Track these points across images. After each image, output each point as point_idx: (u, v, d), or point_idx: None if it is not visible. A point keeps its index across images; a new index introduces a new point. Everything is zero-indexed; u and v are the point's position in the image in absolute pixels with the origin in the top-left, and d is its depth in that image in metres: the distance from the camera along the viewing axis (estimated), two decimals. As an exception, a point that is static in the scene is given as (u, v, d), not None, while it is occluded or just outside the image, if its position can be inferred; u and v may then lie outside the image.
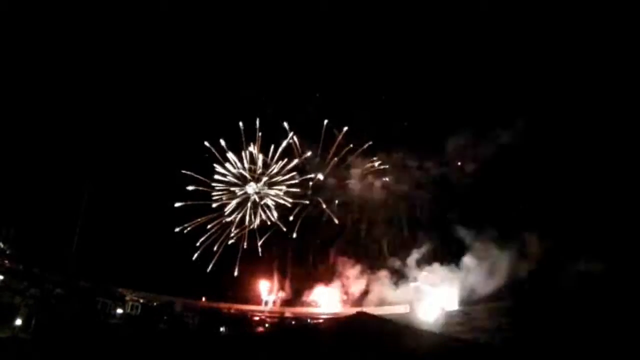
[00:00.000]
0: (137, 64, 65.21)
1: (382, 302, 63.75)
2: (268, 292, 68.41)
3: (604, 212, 54.41)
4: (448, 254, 61.87)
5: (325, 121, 68.86)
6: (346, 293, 67.14)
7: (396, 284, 64.01)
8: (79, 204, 59.97)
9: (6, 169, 56.92)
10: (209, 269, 65.78)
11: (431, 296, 60.99)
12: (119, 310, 57.74)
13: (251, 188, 69.46)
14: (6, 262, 54.36)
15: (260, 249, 67.44)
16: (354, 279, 66.53)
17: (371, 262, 66.38)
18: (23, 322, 48.99)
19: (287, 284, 68.95)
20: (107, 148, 64.15)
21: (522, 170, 60.86)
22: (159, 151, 65.84)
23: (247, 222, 68.21)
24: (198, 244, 66.24)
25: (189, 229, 66.71)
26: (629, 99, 55.96)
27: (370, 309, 62.65)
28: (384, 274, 64.79)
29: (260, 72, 67.20)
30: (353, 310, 63.91)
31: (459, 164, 67.07)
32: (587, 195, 56.53)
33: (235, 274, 66.16)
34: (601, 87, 57.73)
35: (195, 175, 68.09)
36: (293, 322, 63.39)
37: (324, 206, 68.19)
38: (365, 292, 65.62)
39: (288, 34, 66.70)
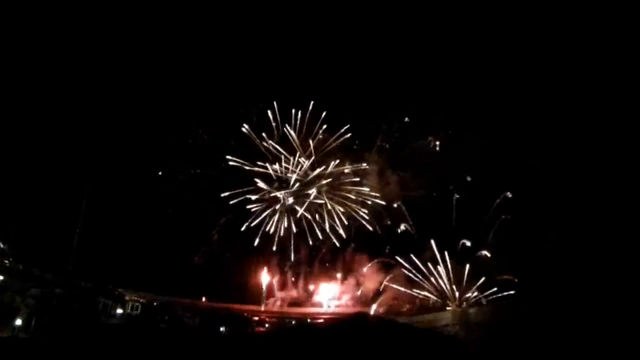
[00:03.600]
0: (140, 65, 65.44)
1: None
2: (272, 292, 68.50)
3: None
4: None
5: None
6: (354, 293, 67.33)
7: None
8: (80, 204, 59.99)
9: (7, 169, 57.05)
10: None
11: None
12: (119, 310, 57.70)
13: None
14: (6, 262, 54.32)
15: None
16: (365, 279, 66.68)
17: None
18: (23, 322, 48.90)
19: (291, 284, 69.12)
20: (108, 148, 64.26)
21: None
22: (159, 151, 65.91)
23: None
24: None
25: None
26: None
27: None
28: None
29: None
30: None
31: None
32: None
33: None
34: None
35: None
36: (293, 322, 63.48)
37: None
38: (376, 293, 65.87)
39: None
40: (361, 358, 47.11)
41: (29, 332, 48.83)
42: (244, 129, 68.89)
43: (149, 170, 66.10)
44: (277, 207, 68.40)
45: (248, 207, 67.64)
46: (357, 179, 69.14)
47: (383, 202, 67.66)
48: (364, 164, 69.22)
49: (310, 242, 67.97)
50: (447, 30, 66.78)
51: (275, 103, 68.84)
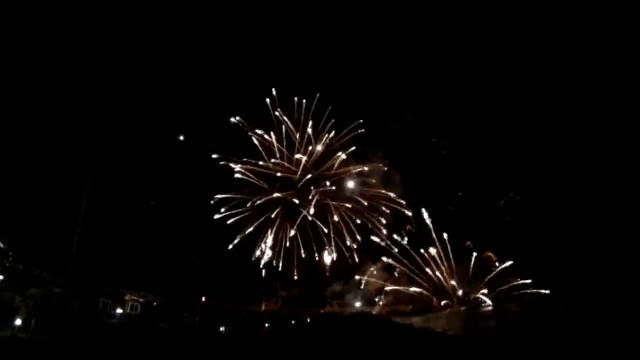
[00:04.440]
0: (139, 63, 65.33)
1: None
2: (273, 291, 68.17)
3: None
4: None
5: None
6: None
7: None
8: (80, 204, 59.96)
9: (7, 169, 57.14)
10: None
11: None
12: (119, 310, 57.55)
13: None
14: (6, 262, 54.35)
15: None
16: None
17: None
18: (23, 322, 48.79)
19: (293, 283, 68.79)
20: (109, 148, 64.23)
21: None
22: (158, 152, 65.85)
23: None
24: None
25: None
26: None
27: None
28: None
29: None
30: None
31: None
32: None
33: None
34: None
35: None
36: (293, 322, 63.20)
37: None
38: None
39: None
40: (362, 358, 46.88)
41: (29, 332, 48.69)
42: (245, 128, 68.72)
43: (149, 171, 65.87)
44: (278, 210, 67.89)
45: (247, 208, 67.33)
46: (364, 180, 68.88)
47: (408, 213, 67.13)
48: (369, 164, 68.85)
49: (315, 248, 67.46)
50: (453, 30, 66.71)
51: (276, 99, 68.56)
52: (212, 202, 66.22)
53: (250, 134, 68.34)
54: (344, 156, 68.39)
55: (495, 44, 65.63)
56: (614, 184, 58.02)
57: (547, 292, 59.12)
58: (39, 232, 56.44)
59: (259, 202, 67.13)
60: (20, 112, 60.40)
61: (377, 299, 65.94)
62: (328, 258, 67.57)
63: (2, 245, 55.29)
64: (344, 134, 68.90)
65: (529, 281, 60.02)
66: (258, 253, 66.66)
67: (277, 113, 68.36)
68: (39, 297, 51.05)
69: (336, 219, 67.36)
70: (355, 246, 66.97)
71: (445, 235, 63.10)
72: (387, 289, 64.72)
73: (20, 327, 48.46)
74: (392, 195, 68.25)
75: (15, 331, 47.90)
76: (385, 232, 67.12)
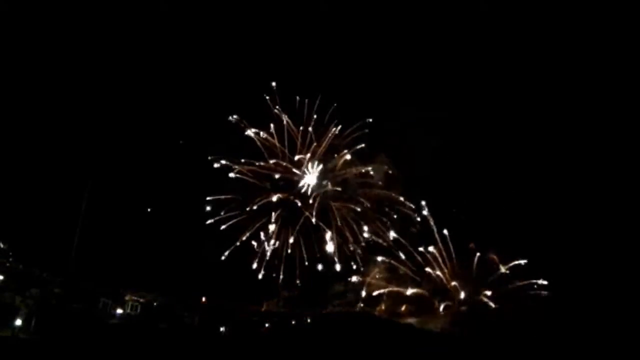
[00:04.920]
0: (137, 63, 65.41)
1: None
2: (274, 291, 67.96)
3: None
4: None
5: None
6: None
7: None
8: (80, 204, 60.00)
9: (7, 169, 57.24)
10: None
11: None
12: (119, 310, 57.47)
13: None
14: (6, 262, 54.41)
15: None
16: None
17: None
18: (23, 322, 48.74)
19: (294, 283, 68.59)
20: (108, 148, 64.23)
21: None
22: (158, 152, 65.83)
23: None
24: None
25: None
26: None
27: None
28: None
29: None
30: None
31: None
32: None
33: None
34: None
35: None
36: (293, 322, 63.02)
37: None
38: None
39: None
40: (362, 358, 46.74)
41: (29, 332, 48.66)
42: (245, 127, 68.50)
43: (149, 171, 65.84)
44: (279, 211, 67.57)
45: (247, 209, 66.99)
46: (367, 181, 68.69)
47: (410, 213, 66.91)
48: (372, 165, 68.60)
49: (317, 250, 67.12)
50: (454, 31, 66.77)
51: (277, 97, 68.36)
52: (212, 204, 66.17)
53: (249, 133, 68.26)
54: (348, 156, 68.19)
55: (496, 45, 65.64)
56: (616, 184, 57.87)
57: (549, 292, 58.97)
58: (39, 232, 56.44)
59: (260, 203, 66.93)
60: (20, 112, 60.52)
61: (378, 299, 65.78)
62: (330, 247, 67.10)
63: (2, 245, 55.36)
64: (347, 133, 68.69)
65: (530, 282, 59.84)
66: (259, 254, 66.54)
67: (276, 110, 68.28)
68: (39, 297, 51.03)
69: (338, 220, 67.15)
70: (357, 247, 66.80)
71: (447, 236, 63.09)
72: (388, 289, 64.55)
73: (20, 327, 48.36)
74: (394, 195, 68.10)
75: (15, 331, 47.83)
76: (386, 232, 67.01)
